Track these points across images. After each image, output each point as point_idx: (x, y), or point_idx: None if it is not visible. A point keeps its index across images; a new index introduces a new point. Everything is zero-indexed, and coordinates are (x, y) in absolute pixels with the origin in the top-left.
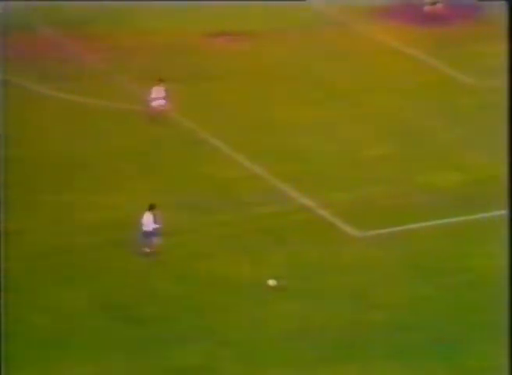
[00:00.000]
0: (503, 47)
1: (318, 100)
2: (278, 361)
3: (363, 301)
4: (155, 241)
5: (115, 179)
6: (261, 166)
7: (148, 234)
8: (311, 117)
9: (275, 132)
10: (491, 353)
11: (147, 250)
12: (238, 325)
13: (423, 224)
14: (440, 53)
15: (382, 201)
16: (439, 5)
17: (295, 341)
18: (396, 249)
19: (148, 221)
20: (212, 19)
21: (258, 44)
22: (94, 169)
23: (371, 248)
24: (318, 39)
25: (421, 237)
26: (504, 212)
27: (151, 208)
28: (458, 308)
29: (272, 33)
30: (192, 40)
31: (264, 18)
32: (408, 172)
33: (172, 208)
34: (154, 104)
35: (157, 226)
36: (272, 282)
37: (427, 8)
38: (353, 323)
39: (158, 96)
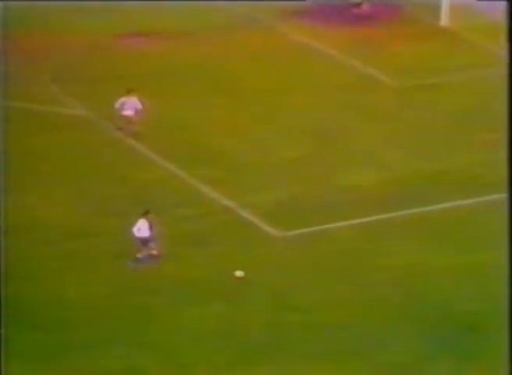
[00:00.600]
0: (422, 46)
1: (235, 101)
2: (198, 361)
3: (282, 302)
4: (151, 246)
5: (31, 179)
6: (179, 168)
7: (144, 240)
8: (229, 119)
9: (191, 133)
10: (413, 349)
11: (140, 256)
12: (158, 327)
13: (343, 224)
14: (360, 53)
15: (302, 201)
16: (365, 6)
17: (215, 341)
18: (317, 249)
19: (143, 227)
20: (126, 20)
21: (172, 45)
22: (10, 168)
23: (292, 248)
24: (234, 40)
25: (341, 237)
26: (421, 209)
27: (146, 213)
28: (378, 306)
29: (186, 34)
30: (105, 40)
31: (179, 19)
32: (328, 172)
33: (88, 210)
34: (124, 114)
35: (151, 232)
36: (239, 273)
37: (355, 9)
38: (271, 324)
39: (125, 107)
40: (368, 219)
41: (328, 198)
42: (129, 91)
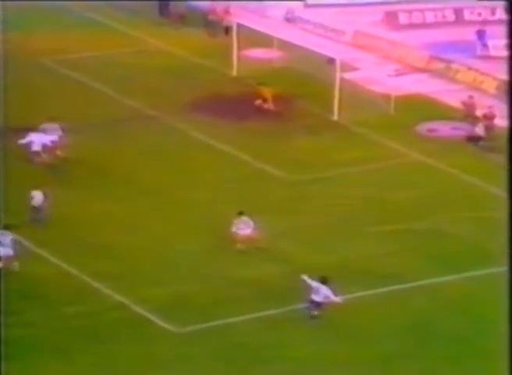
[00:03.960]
0: (314, 140)
1: (131, 196)
2: None
3: None
4: None
5: None
6: (71, 264)
7: None
8: (122, 213)
9: (83, 227)
10: None
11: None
12: None
13: (243, 318)
14: (254, 148)
15: (201, 296)
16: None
17: None
18: (214, 343)
19: None
20: None
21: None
22: None
23: (189, 343)
24: (128, 134)
25: (239, 331)
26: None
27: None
28: None
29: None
30: None
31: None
32: (226, 265)
33: None
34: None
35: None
36: None
37: (257, 102)
38: None
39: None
40: (268, 312)
41: (227, 292)
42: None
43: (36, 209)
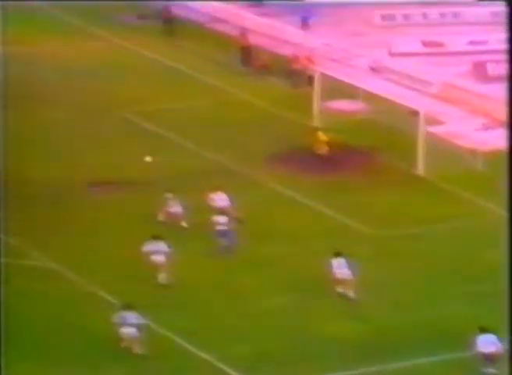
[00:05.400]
0: (398, 195)
1: (211, 252)
2: None
3: None
4: None
5: None
6: (153, 319)
7: None
8: (206, 269)
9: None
10: None
11: None
12: None
13: None
14: (337, 202)
15: (282, 352)
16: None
17: None
18: None
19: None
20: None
21: (137, 194)
22: None
23: None
24: (208, 187)
25: None
26: (403, 363)
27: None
28: None
29: (154, 183)
30: (72, 190)
31: (143, 167)
32: (308, 322)
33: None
34: None
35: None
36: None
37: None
38: None
39: None
40: (350, 372)
41: (311, 349)
42: None
43: None
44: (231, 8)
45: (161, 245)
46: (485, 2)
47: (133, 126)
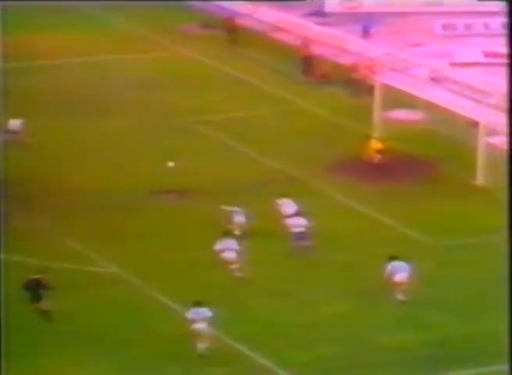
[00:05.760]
0: (457, 205)
1: (271, 258)
2: None
3: None
4: None
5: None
6: (216, 326)
7: None
8: (265, 276)
9: (227, 293)
10: None
11: None
12: None
13: None
14: (395, 211)
15: (341, 359)
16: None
17: None
18: None
19: None
20: (157, 177)
21: (200, 202)
22: (32, 331)
23: None
24: (271, 195)
25: None
26: (463, 372)
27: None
28: None
29: (216, 192)
30: (136, 198)
31: (207, 176)
32: (367, 330)
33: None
34: None
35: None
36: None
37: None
38: None
39: None
40: None
41: (369, 357)
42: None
43: None
44: (293, 17)
45: (232, 243)
46: None
47: (195, 135)
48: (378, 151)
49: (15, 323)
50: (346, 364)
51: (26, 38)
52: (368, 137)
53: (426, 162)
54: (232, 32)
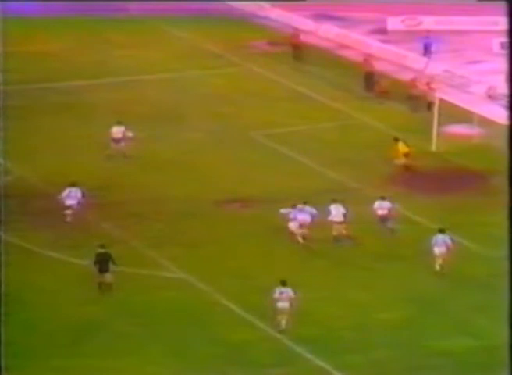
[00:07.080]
0: (502, 218)
1: (324, 266)
2: None
3: None
4: None
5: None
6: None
7: None
8: (320, 282)
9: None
10: None
11: None
12: None
13: None
14: (450, 222)
15: (394, 363)
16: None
17: None
18: None
19: None
20: (222, 186)
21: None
22: (104, 332)
23: None
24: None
25: None
26: None
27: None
28: None
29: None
30: (203, 206)
31: (271, 184)
32: (420, 335)
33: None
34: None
35: None
36: None
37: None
38: None
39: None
40: None
41: (422, 362)
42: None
43: None
44: (356, 35)
45: None
46: None
47: (261, 147)
48: (405, 155)
49: (89, 325)
50: (399, 367)
51: (109, 56)
52: (397, 140)
53: (481, 175)
54: (297, 49)
